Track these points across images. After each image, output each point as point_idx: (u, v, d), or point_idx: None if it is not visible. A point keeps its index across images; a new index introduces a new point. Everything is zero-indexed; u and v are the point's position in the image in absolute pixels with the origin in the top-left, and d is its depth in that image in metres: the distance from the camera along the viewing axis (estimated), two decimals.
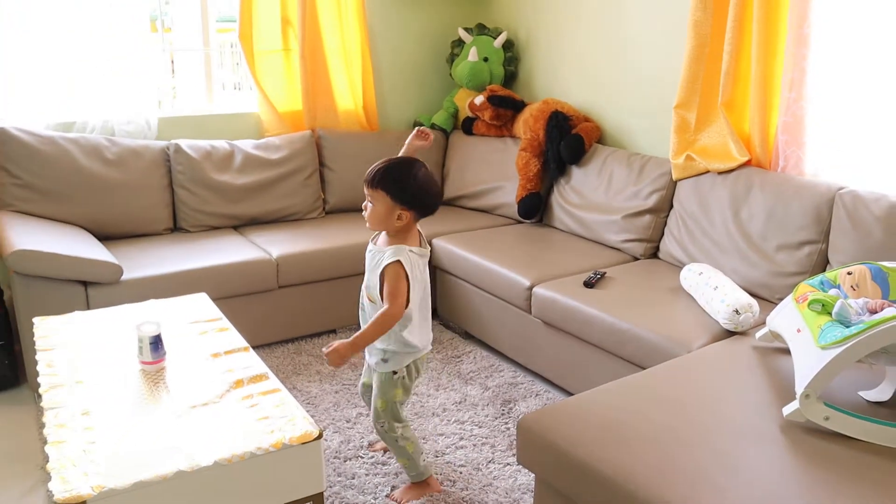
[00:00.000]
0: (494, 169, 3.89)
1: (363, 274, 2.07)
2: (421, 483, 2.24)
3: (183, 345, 2.12)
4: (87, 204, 3.17)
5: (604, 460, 1.65)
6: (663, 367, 2.12)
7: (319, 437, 1.67)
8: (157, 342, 1.94)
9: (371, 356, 2.17)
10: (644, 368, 2.38)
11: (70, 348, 2.09)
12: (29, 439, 2.52)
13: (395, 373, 2.12)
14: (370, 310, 2.10)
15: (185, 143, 3.47)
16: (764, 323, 2.29)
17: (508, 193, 3.77)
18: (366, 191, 2.04)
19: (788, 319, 2.07)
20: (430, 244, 3.44)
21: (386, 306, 1.98)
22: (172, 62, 4.37)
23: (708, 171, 2.97)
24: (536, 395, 2.84)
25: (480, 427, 2.60)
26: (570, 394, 2.81)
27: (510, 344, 3.08)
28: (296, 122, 3.88)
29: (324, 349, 1.97)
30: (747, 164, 2.86)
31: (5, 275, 2.93)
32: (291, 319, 3.25)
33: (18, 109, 3.21)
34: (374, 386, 2.18)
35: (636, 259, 3.18)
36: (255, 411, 1.75)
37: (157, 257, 3.04)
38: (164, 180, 3.40)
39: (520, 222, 3.74)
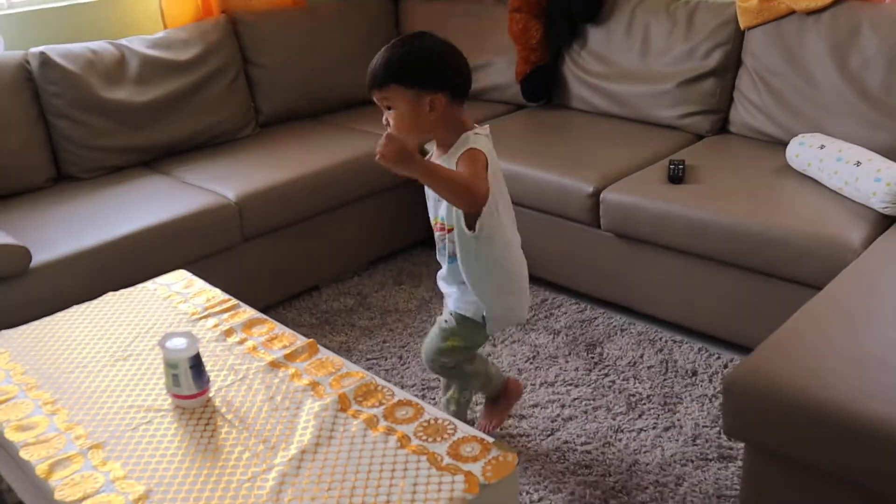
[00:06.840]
0: (475, 40, 3.48)
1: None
2: (498, 396, 2.16)
3: (211, 354, 1.71)
4: None
5: (845, 399, 1.51)
6: (843, 280, 1.94)
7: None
8: (198, 364, 1.53)
9: (460, 308, 1.92)
10: (783, 278, 2.25)
11: (40, 389, 1.62)
12: None
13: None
14: (459, 245, 1.81)
15: (53, 51, 2.83)
16: None
17: (502, 72, 3.46)
18: (376, 99, 1.78)
19: None
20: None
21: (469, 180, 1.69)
22: None
23: (792, 13, 2.75)
24: (622, 329, 2.62)
25: (577, 386, 2.37)
26: (665, 321, 2.62)
27: (565, 270, 2.83)
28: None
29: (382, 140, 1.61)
30: None
31: None
32: (264, 281, 2.82)
33: None
34: (446, 327, 1.95)
35: (701, 137, 2.97)
36: (397, 444, 1.40)
37: (59, 226, 2.49)
38: (33, 109, 2.79)
39: (522, 106, 3.43)
